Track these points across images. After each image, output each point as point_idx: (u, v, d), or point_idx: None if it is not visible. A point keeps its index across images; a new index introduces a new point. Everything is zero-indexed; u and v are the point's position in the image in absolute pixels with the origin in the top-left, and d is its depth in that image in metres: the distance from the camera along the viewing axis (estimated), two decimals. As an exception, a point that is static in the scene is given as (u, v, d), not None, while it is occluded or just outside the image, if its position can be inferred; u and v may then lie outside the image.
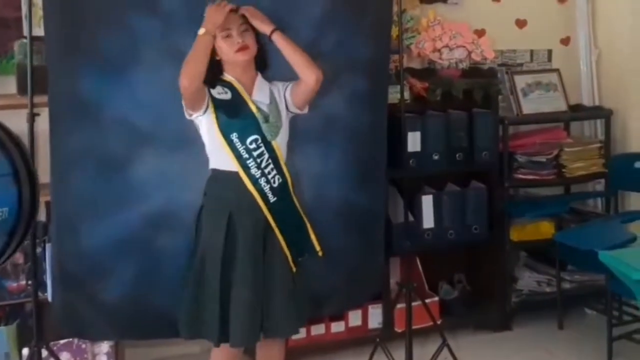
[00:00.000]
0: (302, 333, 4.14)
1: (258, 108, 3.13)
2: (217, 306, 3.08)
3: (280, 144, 3.17)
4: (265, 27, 3.17)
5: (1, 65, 3.89)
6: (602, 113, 5.00)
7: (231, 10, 3.13)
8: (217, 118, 3.10)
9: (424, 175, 4.48)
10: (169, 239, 3.47)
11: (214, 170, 3.17)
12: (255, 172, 3.11)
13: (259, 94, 3.17)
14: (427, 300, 4.28)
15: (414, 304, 4.13)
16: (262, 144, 3.11)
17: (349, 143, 3.84)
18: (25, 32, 3.68)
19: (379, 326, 4.42)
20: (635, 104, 4.93)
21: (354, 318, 4.41)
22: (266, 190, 3.12)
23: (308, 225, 3.29)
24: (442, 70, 4.62)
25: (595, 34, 5.14)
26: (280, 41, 3.16)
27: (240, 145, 3.10)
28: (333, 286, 3.83)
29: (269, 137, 3.12)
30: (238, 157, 3.10)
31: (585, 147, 4.82)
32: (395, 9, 4.06)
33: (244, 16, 3.15)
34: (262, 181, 3.12)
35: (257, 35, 3.19)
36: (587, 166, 4.80)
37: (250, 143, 3.10)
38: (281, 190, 3.16)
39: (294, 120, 3.42)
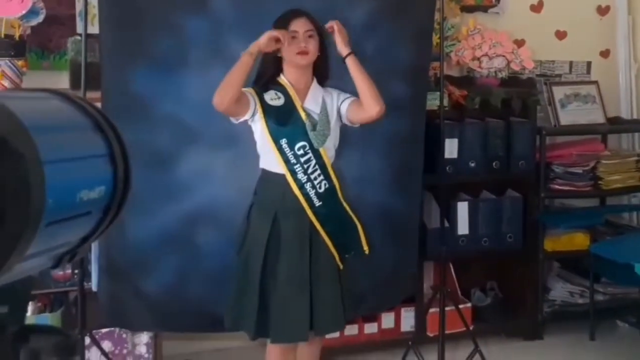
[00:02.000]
0: (336, 333, 4.19)
1: (308, 115, 3.19)
2: (256, 301, 3.14)
3: (327, 150, 3.23)
4: (343, 48, 3.23)
5: (54, 61, 4.00)
6: (640, 126, 5.00)
7: (302, 15, 3.20)
8: (267, 123, 3.16)
9: (460, 182, 4.51)
10: (211, 235, 3.55)
11: (263, 171, 3.24)
12: (302, 177, 3.17)
13: (311, 102, 3.23)
14: (460, 306, 4.31)
15: (446, 309, 4.17)
16: (309, 150, 3.17)
17: (387, 148, 3.90)
18: (79, 29, 3.79)
19: (412, 329, 4.46)
20: (673, 118, 4.93)
21: (387, 320, 4.46)
22: (311, 195, 3.18)
23: (359, 226, 3.34)
24: (480, 78, 4.65)
25: (636, 47, 5.15)
26: (353, 66, 3.22)
27: (289, 151, 3.16)
28: (368, 287, 3.89)
29: (315, 145, 3.18)
30: (286, 161, 3.16)
31: (622, 160, 4.82)
32: (437, 16, 4.11)
33: (312, 21, 3.21)
34: (308, 186, 3.18)
35: (323, 44, 3.24)
36: (624, 179, 4.79)
37: (299, 149, 3.16)
38: (327, 195, 3.22)
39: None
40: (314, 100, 3.23)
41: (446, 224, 4.35)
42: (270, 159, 3.20)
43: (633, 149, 5.09)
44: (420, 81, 4.01)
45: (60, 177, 0.70)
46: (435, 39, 4.22)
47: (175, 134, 3.50)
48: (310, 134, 3.17)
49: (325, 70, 3.31)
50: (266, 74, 3.21)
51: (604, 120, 4.94)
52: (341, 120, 3.31)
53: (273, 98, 3.19)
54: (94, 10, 3.64)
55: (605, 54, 5.21)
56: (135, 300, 3.55)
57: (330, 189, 3.23)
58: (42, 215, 0.67)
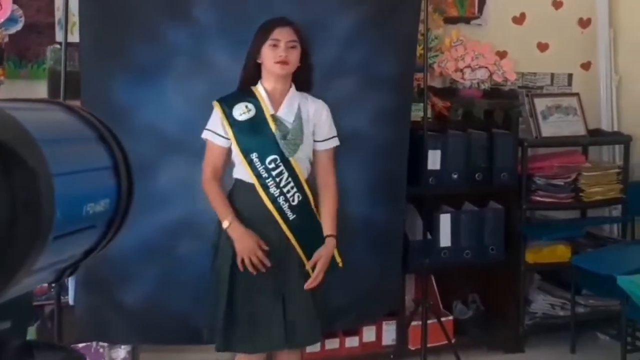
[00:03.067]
0: (317, 347, 4.14)
1: (277, 125, 3.13)
2: (222, 313, 3.11)
3: (300, 160, 3.17)
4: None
5: (32, 70, 3.93)
6: (621, 139, 5.01)
7: (287, 25, 3.17)
8: (237, 139, 3.12)
9: (443, 193, 4.48)
10: (191, 246, 3.51)
11: (237, 180, 3.20)
12: (274, 191, 3.12)
13: (285, 110, 3.17)
14: (442, 319, 4.28)
15: (428, 322, 4.14)
16: (280, 163, 3.12)
17: (371, 159, 3.88)
18: (58, 38, 3.73)
19: (393, 343, 4.42)
20: (654, 131, 4.95)
21: (368, 334, 4.41)
22: (285, 208, 3.14)
23: None
24: (463, 90, 4.64)
25: (616, 60, 5.16)
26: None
27: (260, 165, 3.12)
28: (349, 300, 3.86)
29: (286, 154, 3.12)
30: (257, 176, 3.12)
31: (603, 172, 4.83)
32: (420, 27, 4.10)
33: (296, 31, 3.17)
34: (281, 200, 3.13)
35: (306, 54, 3.20)
36: (605, 191, 4.80)
37: (270, 163, 3.11)
38: (301, 208, 3.17)
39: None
40: (289, 108, 3.18)
41: (428, 236, 4.32)
42: (242, 171, 3.16)
43: (614, 161, 5.10)
44: (404, 92, 4.00)
45: (68, 190, 0.68)
46: (418, 50, 4.20)
47: (155, 143, 3.45)
48: (281, 143, 3.11)
49: (306, 80, 3.26)
50: (246, 80, 3.18)
51: (585, 132, 4.95)
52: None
53: (243, 112, 3.14)
54: (73, 18, 3.59)
55: (586, 66, 5.23)
56: (114, 313, 3.49)
57: (304, 201, 3.17)
58: (51, 229, 0.64)
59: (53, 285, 3.58)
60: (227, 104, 3.15)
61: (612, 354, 4.31)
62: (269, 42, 3.11)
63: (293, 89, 3.23)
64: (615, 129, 5.12)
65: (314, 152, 3.23)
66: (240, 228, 3.10)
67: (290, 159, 3.13)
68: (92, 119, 0.80)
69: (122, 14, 3.41)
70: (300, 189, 3.16)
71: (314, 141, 3.22)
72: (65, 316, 3.51)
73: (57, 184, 0.66)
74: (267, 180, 3.11)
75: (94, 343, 3.80)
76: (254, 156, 3.11)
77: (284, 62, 3.11)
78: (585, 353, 4.66)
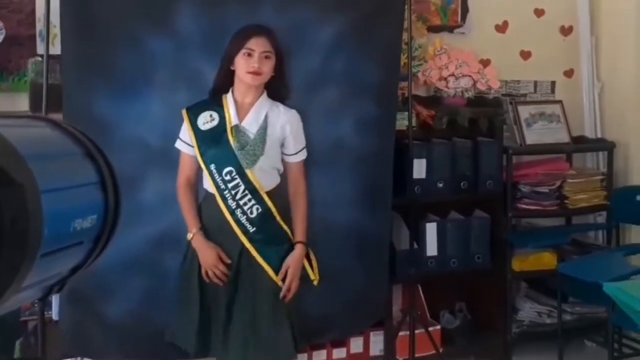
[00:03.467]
0: (304, 358, 4.12)
1: (237, 136, 3.12)
2: (196, 317, 3.15)
3: (258, 172, 3.14)
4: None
5: (13, 83, 3.89)
6: (605, 145, 5.02)
7: (262, 34, 3.16)
8: (200, 149, 3.13)
9: (428, 202, 4.47)
10: (175, 259, 3.47)
11: (206, 191, 3.21)
12: (231, 203, 3.12)
13: (250, 120, 3.16)
14: (429, 329, 4.27)
15: (415, 332, 4.13)
16: (237, 176, 3.11)
17: (355, 168, 3.86)
18: (39, 50, 3.70)
19: (381, 353, 4.40)
20: (637, 137, 4.96)
21: (356, 345, 4.39)
22: (243, 221, 3.12)
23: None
24: (447, 98, 4.65)
25: (599, 67, 5.18)
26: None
27: (217, 176, 3.12)
28: (335, 312, 3.83)
29: (244, 165, 3.10)
30: (217, 187, 3.12)
31: (587, 179, 4.84)
32: (404, 36, 4.10)
33: (271, 41, 3.15)
34: (239, 212, 3.12)
35: (280, 64, 3.19)
36: (589, 198, 4.81)
37: (226, 175, 3.11)
38: (262, 220, 3.14)
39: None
40: (254, 118, 3.17)
41: (415, 246, 4.31)
42: (207, 181, 3.18)
43: (598, 168, 5.12)
44: (389, 101, 3.99)
45: (56, 206, 0.67)
46: (402, 58, 4.19)
47: (138, 155, 3.42)
48: (238, 154, 3.10)
49: (280, 90, 3.26)
50: (217, 87, 3.19)
51: (568, 139, 4.96)
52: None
53: (206, 121, 3.15)
54: (54, 30, 3.55)
55: (569, 73, 5.24)
56: (98, 328, 3.45)
57: (264, 213, 3.14)
58: (39, 246, 0.62)
59: (37, 300, 3.54)
60: (194, 112, 3.17)
61: (599, 360, 4.32)
62: (243, 51, 3.11)
63: (263, 97, 3.22)
64: (599, 135, 5.13)
65: (284, 163, 3.24)
66: (201, 240, 3.13)
67: (247, 170, 3.11)
68: (77, 134, 0.79)
69: (104, 26, 3.38)
70: (259, 201, 3.14)
71: (283, 153, 3.22)
72: (49, 331, 3.47)
73: (45, 200, 0.64)
74: (224, 192, 3.12)
75: (79, 358, 3.75)
76: (212, 167, 3.12)
77: (256, 73, 3.11)
78: (573, 360, 4.67)
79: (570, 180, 4.75)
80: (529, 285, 5.00)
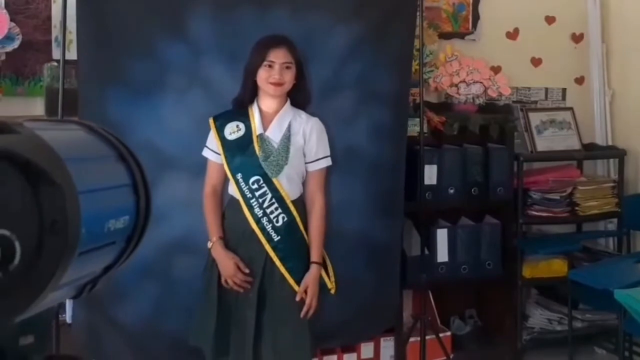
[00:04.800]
0: (315, 364, 4.13)
1: (262, 146, 3.14)
2: (213, 321, 3.15)
3: (284, 181, 3.16)
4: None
5: (29, 87, 3.92)
6: (615, 152, 5.03)
7: (282, 45, 3.17)
8: (227, 158, 3.16)
9: (439, 208, 4.49)
10: (188, 264, 3.49)
11: (231, 196, 3.22)
12: (258, 211, 3.13)
13: (274, 129, 3.18)
14: (439, 335, 4.27)
15: (426, 338, 4.13)
16: (264, 184, 3.13)
17: (368, 175, 3.88)
18: (55, 55, 3.74)
19: (391, 359, 4.40)
20: (648, 145, 4.97)
21: (366, 350, 4.39)
22: (269, 229, 3.13)
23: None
24: (458, 104, 4.66)
25: (609, 74, 5.19)
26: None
27: (244, 185, 3.14)
28: (347, 317, 3.84)
29: (270, 175, 3.13)
30: (243, 196, 3.14)
31: (598, 186, 4.84)
32: (415, 43, 4.12)
33: (291, 52, 3.17)
34: (265, 220, 3.13)
35: (301, 72, 3.22)
36: (600, 205, 4.81)
37: (253, 183, 3.13)
38: (287, 229, 3.16)
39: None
40: (278, 127, 3.18)
41: (426, 252, 4.32)
42: (232, 188, 3.20)
43: (608, 175, 5.12)
44: (401, 107, 4.01)
45: (91, 207, 0.69)
46: (414, 65, 4.22)
47: (152, 160, 3.43)
48: (263, 164, 3.13)
49: (302, 97, 3.27)
50: (243, 97, 3.20)
51: (579, 146, 4.98)
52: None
53: (233, 131, 3.18)
54: (69, 35, 3.59)
55: (580, 80, 5.25)
56: (111, 332, 3.47)
57: (289, 223, 3.16)
58: (77, 246, 0.65)
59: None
60: (221, 122, 3.19)
61: (610, 367, 4.32)
62: (264, 63, 3.13)
63: (287, 105, 3.23)
64: (610, 142, 5.13)
65: (306, 171, 3.24)
66: (221, 250, 3.15)
67: (274, 179, 3.13)
68: (110, 137, 0.82)
69: (119, 31, 3.41)
70: (285, 209, 3.16)
71: (305, 162, 3.22)
72: (63, 334, 3.49)
73: (82, 201, 0.66)
74: (251, 201, 3.13)
75: (92, 361, 3.78)
76: (239, 176, 3.14)
77: (278, 84, 3.13)
78: (584, 367, 4.67)
79: (581, 187, 4.76)
80: (540, 292, 5.01)
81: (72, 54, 3.55)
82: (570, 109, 5.07)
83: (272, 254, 3.13)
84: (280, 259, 3.14)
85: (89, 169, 0.73)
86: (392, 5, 3.96)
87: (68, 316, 3.53)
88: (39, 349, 0.76)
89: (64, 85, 3.40)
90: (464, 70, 4.67)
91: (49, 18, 3.89)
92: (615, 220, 4.98)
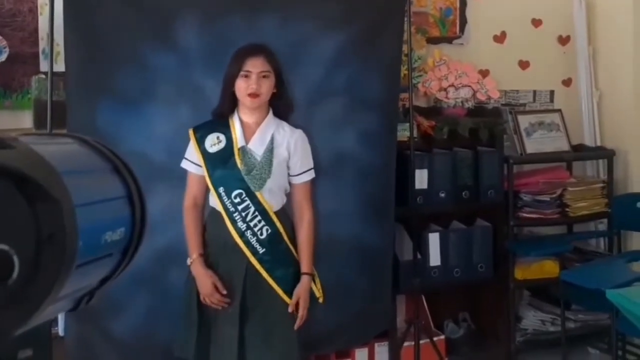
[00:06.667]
0: (309, 369, 4.14)
1: (244, 159, 3.06)
2: (195, 329, 3.10)
3: (267, 194, 3.08)
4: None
5: (17, 100, 3.91)
6: (604, 153, 5.05)
7: (260, 54, 3.09)
8: (208, 170, 3.08)
9: (431, 212, 4.50)
10: (179, 274, 3.47)
11: (212, 208, 3.15)
12: (241, 225, 3.06)
13: (257, 141, 3.10)
14: (434, 339, 4.28)
15: (420, 342, 4.14)
16: (246, 198, 3.05)
17: (358, 180, 3.89)
18: (42, 67, 3.73)
19: (386, 364, 4.42)
20: (636, 145, 4.99)
21: (361, 356, 4.39)
22: (253, 242, 3.06)
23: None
24: (447, 109, 4.68)
25: (597, 75, 5.21)
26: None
27: (227, 199, 3.06)
28: (340, 323, 3.85)
29: (252, 188, 3.06)
30: (225, 209, 3.06)
31: (588, 187, 4.87)
32: (403, 48, 4.13)
33: (269, 60, 3.10)
34: (249, 234, 3.06)
35: (280, 81, 3.13)
36: (590, 206, 4.84)
37: (235, 197, 3.05)
38: (271, 240, 3.09)
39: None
40: (261, 139, 3.10)
41: (418, 256, 4.33)
42: (214, 201, 3.12)
43: (598, 176, 5.14)
44: (390, 113, 4.03)
45: (88, 220, 0.70)
46: (402, 70, 4.23)
47: (142, 170, 3.35)
48: (246, 178, 3.05)
49: (283, 107, 3.18)
50: (222, 109, 3.13)
51: (568, 147, 5.00)
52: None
53: (214, 143, 3.10)
54: (57, 47, 3.58)
55: (567, 82, 5.28)
56: (103, 343, 3.47)
57: (273, 234, 3.09)
58: (75, 258, 0.65)
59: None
60: (201, 134, 3.11)
61: (604, 367, 4.34)
62: (241, 73, 3.05)
63: (270, 117, 3.15)
64: (598, 143, 5.15)
65: (290, 183, 3.18)
66: (200, 268, 3.08)
67: (257, 193, 3.06)
68: (105, 150, 0.82)
69: (107, 42, 3.42)
70: (268, 221, 3.09)
71: (289, 174, 3.15)
72: (55, 347, 3.47)
73: (79, 214, 0.67)
74: (234, 214, 3.06)
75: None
76: (221, 190, 3.06)
77: (254, 95, 3.04)
78: (577, 368, 4.69)
79: (570, 189, 4.78)
80: (532, 294, 5.02)
81: (59, 66, 3.55)
82: (559, 110, 5.09)
83: (258, 266, 3.06)
84: (267, 270, 3.07)
85: (85, 182, 0.73)
86: (381, 11, 3.98)
87: (60, 329, 3.52)
88: (38, 361, 0.76)
89: (52, 97, 3.39)
90: (452, 75, 4.69)
91: (36, 30, 3.89)
92: (605, 220, 5.01)
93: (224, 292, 3.06)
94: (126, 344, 3.50)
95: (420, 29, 4.79)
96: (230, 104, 3.12)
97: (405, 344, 4.31)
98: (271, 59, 3.10)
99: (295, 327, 3.11)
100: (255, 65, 3.05)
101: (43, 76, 3.71)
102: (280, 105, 3.17)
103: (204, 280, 3.06)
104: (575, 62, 5.24)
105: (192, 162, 3.14)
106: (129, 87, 3.43)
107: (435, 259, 4.46)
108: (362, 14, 3.89)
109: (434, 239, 4.46)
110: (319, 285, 3.24)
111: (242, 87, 3.05)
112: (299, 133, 3.17)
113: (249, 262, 3.06)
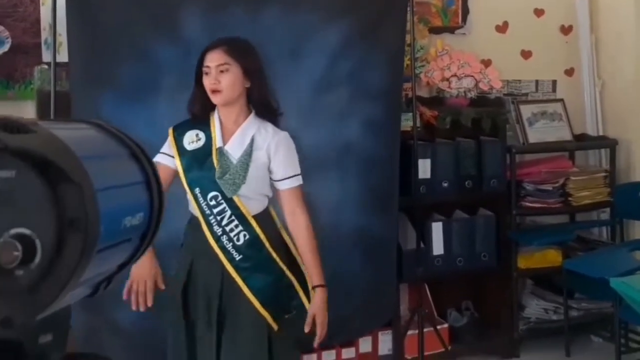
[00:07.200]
0: (313, 358, 4.15)
1: (220, 161, 2.84)
2: (183, 339, 2.89)
3: (244, 198, 2.84)
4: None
5: (19, 91, 3.91)
6: (607, 143, 5.05)
7: (218, 47, 2.86)
8: (184, 170, 2.88)
9: (434, 202, 4.51)
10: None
11: (191, 215, 2.94)
12: (217, 229, 2.84)
13: (235, 143, 2.87)
14: (437, 327, 4.29)
15: (424, 330, 4.15)
16: (222, 201, 2.82)
17: (362, 171, 3.90)
18: (45, 58, 3.73)
19: (389, 352, 4.42)
20: (639, 134, 4.98)
21: (365, 344, 4.41)
22: (229, 248, 2.82)
23: (294, 281, 2.90)
24: (450, 99, 4.68)
25: (599, 65, 5.21)
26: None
27: (202, 201, 2.85)
28: (345, 314, 3.85)
29: (227, 193, 2.82)
30: (202, 212, 2.85)
31: (590, 176, 4.87)
32: (407, 38, 4.13)
33: (229, 52, 2.83)
34: (224, 239, 2.82)
35: (252, 75, 2.85)
36: (593, 195, 4.84)
37: (211, 199, 2.83)
38: (250, 247, 2.84)
39: (310, 148, 3.45)
40: (240, 141, 2.85)
41: (421, 245, 4.34)
42: (191, 205, 2.91)
43: (600, 165, 5.14)
44: (394, 102, 4.03)
45: (109, 204, 0.70)
46: (405, 60, 4.23)
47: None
48: (219, 181, 2.81)
49: (262, 105, 2.89)
50: (192, 107, 2.92)
51: (570, 137, 5.00)
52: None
53: (192, 140, 2.89)
54: (59, 38, 3.58)
55: (569, 72, 5.27)
56: (111, 335, 3.49)
57: (252, 240, 2.83)
58: (96, 243, 0.65)
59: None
60: (180, 131, 2.92)
61: (607, 355, 4.34)
62: (203, 70, 2.85)
63: (251, 117, 2.89)
64: (601, 133, 5.15)
65: (276, 190, 2.94)
66: (149, 253, 2.79)
67: (234, 197, 2.84)
68: (122, 136, 0.82)
69: (110, 33, 3.41)
70: (246, 226, 2.84)
71: (272, 179, 2.90)
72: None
73: (99, 199, 0.67)
74: (209, 218, 2.84)
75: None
76: (197, 190, 2.85)
77: (215, 91, 2.81)
78: (580, 356, 4.69)
79: (573, 178, 4.78)
80: (535, 283, 5.03)
81: (62, 57, 3.55)
82: (561, 100, 5.09)
83: (234, 273, 2.80)
84: (244, 279, 2.80)
85: (104, 166, 0.73)
86: (383, 1, 3.97)
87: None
88: (57, 347, 0.76)
89: (55, 88, 3.39)
90: (454, 65, 4.68)
91: (38, 21, 3.88)
92: (607, 209, 5.01)
93: (162, 286, 2.88)
94: (134, 335, 3.50)
95: (423, 19, 4.78)
96: (204, 101, 2.88)
97: (409, 332, 4.32)
98: (232, 51, 2.83)
99: (315, 344, 2.92)
100: (212, 59, 2.83)
101: (45, 67, 3.71)
102: (259, 104, 2.89)
103: (146, 263, 2.85)
104: (577, 52, 5.23)
105: (165, 153, 2.93)
106: (132, 79, 3.43)
107: (438, 248, 4.46)
108: (364, 4, 3.90)
109: (437, 228, 4.47)
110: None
111: (205, 83, 2.84)
112: (282, 135, 2.90)
113: (225, 269, 2.81)
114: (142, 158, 0.82)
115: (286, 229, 2.94)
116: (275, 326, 2.82)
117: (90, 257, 0.65)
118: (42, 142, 0.65)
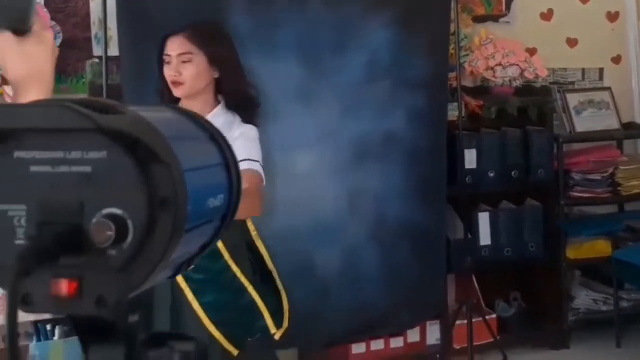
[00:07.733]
0: (362, 347, 4.15)
1: None
2: None
3: None
4: None
5: (72, 84, 3.96)
6: (656, 131, 4.98)
7: (179, 33, 2.60)
8: None
9: (479, 192, 4.48)
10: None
11: None
12: None
13: None
14: (486, 317, 4.27)
15: (472, 320, 4.14)
16: None
17: (409, 161, 3.89)
18: (95, 52, 3.78)
19: (437, 342, 4.40)
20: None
21: (413, 334, 4.39)
22: None
23: (258, 300, 2.55)
24: (495, 88, 4.64)
25: (647, 52, 5.14)
26: None
27: None
28: (394, 306, 3.85)
29: None
30: None
31: (639, 166, 4.80)
32: (451, 27, 4.11)
33: (192, 39, 2.56)
34: None
35: (222, 63, 2.61)
36: (642, 184, 4.78)
37: None
38: (204, 257, 2.45)
39: (355, 138, 3.45)
40: None
41: (468, 235, 4.32)
42: None
43: (649, 154, 5.07)
44: (439, 92, 4.01)
45: (194, 185, 0.70)
46: (449, 49, 4.21)
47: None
48: None
49: (236, 96, 2.62)
50: (157, 98, 2.71)
51: (618, 125, 4.93)
52: None
53: None
54: (109, 32, 3.63)
55: (616, 59, 5.20)
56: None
57: (210, 251, 2.56)
58: (185, 223, 0.66)
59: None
60: None
61: (658, 346, 4.29)
62: (163, 58, 2.60)
63: (218, 109, 2.61)
64: (649, 121, 5.09)
65: None
66: None
67: None
68: (200, 120, 0.83)
69: (160, 26, 3.43)
70: None
71: None
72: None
73: (186, 179, 0.68)
74: None
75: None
76: None
77: (175, 83, 2.55)
78: (631, 347, 4.62)
79: (622, 167, 4.72)
80: (582, 273, 4.97)
81: (112, 50, 3.59)
82: (608, 88, 5.02)
83: (182, 284, 2.44)
84: (194, 292, 2.46)
85: (188, 148, 0.74)
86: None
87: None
88: (143, 327, 0.77)
89: (107, 81, 3.44)
90: (499, 53, 4.64)
91: (88, 15, 3.93)
92: (658, 198, 4.93)
93: None
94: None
95: (466, 8, 4.74)
96: (166, 93, 2.65)
97: (457, 322, 4.30)
98: (196, 37, 2.57)
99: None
100: (172, 47, 2.57)
101: (97, 60, 3.76)
102: (231, 95, 2.62)
103: None
104: (624, 39, 5.16)
105: None
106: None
107: (485, 238, 4.44)
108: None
109: (483, 219, 4.45)
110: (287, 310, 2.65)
111: (165, 74, 2.58)
112: (247, 127, 2.59)
113: (174, 280, 2.39)
114: (220, 140, 0.83)
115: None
116: (233, 350, 2.48)
117: (180, 237, 0.66)
118: (131, 122, 0.66)
